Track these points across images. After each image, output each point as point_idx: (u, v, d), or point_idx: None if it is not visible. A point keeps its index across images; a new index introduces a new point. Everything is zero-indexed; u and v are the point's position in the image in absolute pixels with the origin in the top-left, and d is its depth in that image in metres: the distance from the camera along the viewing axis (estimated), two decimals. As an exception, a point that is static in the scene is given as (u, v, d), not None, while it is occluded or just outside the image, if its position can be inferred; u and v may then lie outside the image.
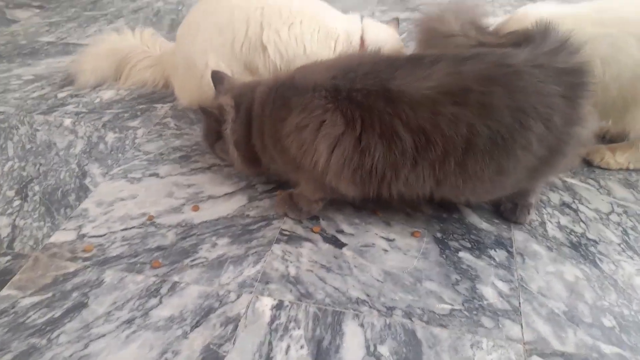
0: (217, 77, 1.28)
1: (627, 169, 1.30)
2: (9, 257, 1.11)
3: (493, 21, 1.28)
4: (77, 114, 1.60)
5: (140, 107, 1.63)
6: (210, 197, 1.27)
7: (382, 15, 1.58)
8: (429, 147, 0.95)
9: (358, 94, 0.97)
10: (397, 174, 1.00)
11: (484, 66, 0.93)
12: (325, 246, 1.13)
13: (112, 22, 2.20)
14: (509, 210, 1.16)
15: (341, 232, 1.16)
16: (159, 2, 2.38)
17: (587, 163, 1.34)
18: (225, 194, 1.28)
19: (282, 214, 1.20)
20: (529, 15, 1.30)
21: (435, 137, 0.94)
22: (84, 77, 1.71)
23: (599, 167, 1.33)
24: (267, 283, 1.04)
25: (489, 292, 1.02)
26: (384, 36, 1.50)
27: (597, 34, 1.15)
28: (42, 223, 1.21)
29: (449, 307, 0.99)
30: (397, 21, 1.62)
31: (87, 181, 1.33)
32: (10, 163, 1.41)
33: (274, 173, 1.24)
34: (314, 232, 1.16)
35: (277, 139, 1.07)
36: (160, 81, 1.70)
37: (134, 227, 1.18)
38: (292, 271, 1.07)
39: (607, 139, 1.37)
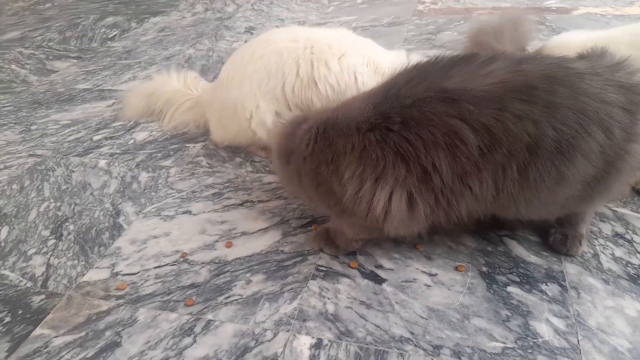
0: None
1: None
2: (43, 296, 1.10)
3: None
4: (111, 155, 1.62)
5: (173, 147, 1.65)
6: (243, 234, 1.24)
7: (410, 55, 1.60)
8: (494, 147, 0.87)
9: (413, 110, 0.90)
10: (464, 183, 0.91)
11: (544, 66, 0.90)
12: (364, 282, 1.08)
13: (145, 69, 2.27)
14: (559, 241, 1.10)
15: (380, 267, 1.11)
16: (189, 50, 2.46)
17: (638, 192, 1.27)
18: (259, 230, 1.25)
19: (318, 250, 1.16)
20: (563, 42, 1.29)
21: (501, 136, 0.87)
22: (128, 111, 1.77)
23: (649, 196, 1.26)
24: (304, 320, 0.99)
25: (543, 329, 0.94)
26: None
27: (632, 56, 1.13)
28: (76, 262, 1.20)
29: (501, 345, 0.92)
30: None
31: (120, 220, 1.32)
32: (46, 204, 1.42)
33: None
34: (352, 268, 1.11)
35: (319, 182, 1.00)
36: (202, 120, 1.68)
37: (167, 265, 1.16)
38: (331, 308, 1.02)
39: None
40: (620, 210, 1.22)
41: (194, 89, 1.72)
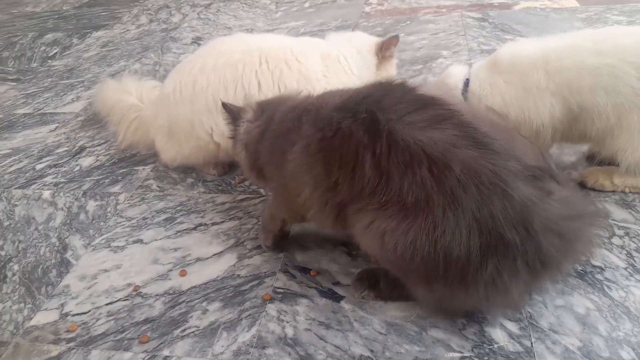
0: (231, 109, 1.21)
1: (622, 192, 1.27)
2: (-14, 347, 1.04)
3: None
4: (56, 184, 1.56)
5: (121, 171, 1.59)
6: (198, 260, 1.21)
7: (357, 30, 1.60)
8: (377, 192, 0.88)
9: (345, 122, 0.91)
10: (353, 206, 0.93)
11: (488, 160, 0.83)
12: (323, 301, 1.07)
13: (89, 88, 2.19)
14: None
15: (337, 284, 1.11)
16: (135, 64, 2.39)
17: (582, 186, 1.31)
18: (214, 255, 1.22)
19: (264, 242, 1.22)
20: (515, 54, 1.26)
21: (390, 188, 0.86)
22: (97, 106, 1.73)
23: (593, 189, 1.30)
24: (263, 348, 0.98)
25: (498, 335, 0.96)
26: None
27: (598, 64, 1.15)
28: (22, 305, 1.14)
29: (459, 355, 0.93)
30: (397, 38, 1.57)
31: (68, 255, 1.27)
32: (-13, 243, 1.35)
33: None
34: (309, 288, 1.10)
35: (280, 158, 1.03)
36: (149, 141, 1.58)
37: (119, 300, 1.12)
38: (290, 332, 1.01)
39: (598, 161, 1.34)
40: (566, 206, 1.25)
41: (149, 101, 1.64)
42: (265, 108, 1.16)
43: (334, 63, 1.45)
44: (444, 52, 2.13)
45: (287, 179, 1.02)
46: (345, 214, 0.95)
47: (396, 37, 1.53)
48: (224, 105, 1.19)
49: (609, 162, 1.27)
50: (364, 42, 1.54)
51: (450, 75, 1.37)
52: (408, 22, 2.50)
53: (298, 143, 0.98)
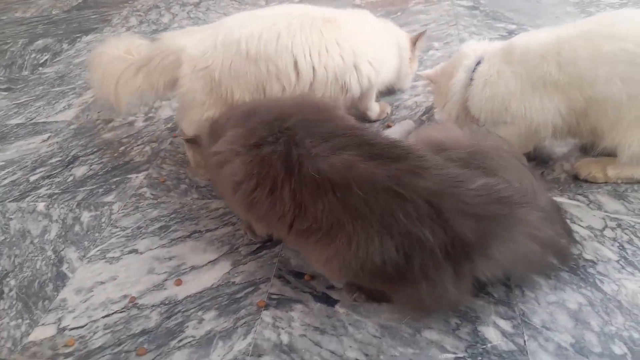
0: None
1: (615, 182, 1.27)
2: (-14, 365, 1.05)
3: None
4: (50, 196, 1.56)
5: (115, 179, 1.60)
6: (193, 268, 1.22)
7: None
8: (303, 217, 0.96)
9: (267, 147, 1.00)
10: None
11: (375, 170, 0.92)
12: (317, 306, 1.08)
13: (80, 95, 2.19)
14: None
15: (331, 287, 1.11)
16: (126, 68, 2.37)
17: (574, 177, 1.31)
18: (208, 262, 1.23)
19: (245, 234, 1.28)
20: (527, 44, 1.24)
21: (309, 214, 0.94)
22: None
23: (586, 181, 1.30)
24: (259, 356, 0.99)
25: (491, 334, 0.97)
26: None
27: (614, 50, 1.11)
28: (20, 320, 1.15)
29: (453, 356, 0.94)
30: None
31: (64, 268, 1.28)
32: (-16, 259, 1.36)
33: None
34: (304, 293, 1.11)
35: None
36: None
37: (115, 312, 1.13)
38: (285, 339, 1.01)
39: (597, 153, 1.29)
40: (558, 199, 1.25)
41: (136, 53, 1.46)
42: (215, 127, 1.21)
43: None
44: (435, 44, 2.12)
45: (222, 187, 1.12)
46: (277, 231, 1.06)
47: (424, 33, 1.65)
48: (186, 139, 1.33)
49: (599, 153, 1.26)
50: (403, 34, 1.65)
51: (465, 52, 1.35)
52: (399, 14, 2.48)
53: (221, 146, 1.08)
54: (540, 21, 2.15)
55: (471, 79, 1.31)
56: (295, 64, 1.36)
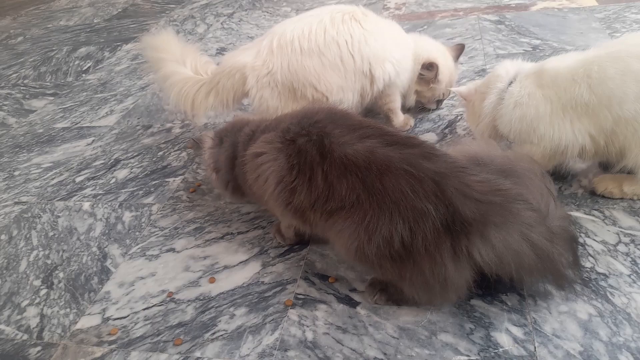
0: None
1: (631, 199, 1.31)
2: (39, 348, 1.17)
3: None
4: (94, 196, 1.69)
5: (154, 182, 1.71)
6: (225, 267, 1.31)
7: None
8: (331, 197, 1.05)
9: (302, 139, 1.10)
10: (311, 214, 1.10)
11: (391, 153, 1.03)
12: (340, 307, 1.16)
13: (121, 101, 2.33)
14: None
15: (354, 290, 1.19)
16: (163, 76, 2.51)
17: (591, 193, 1.36)
18: (240, 263, 1.32)
19: (274, 238, 1.37)
20: (557, 69, 1.28)
21: (336, 194, 1.04)
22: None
23: (602, 197, 1.34)
24: (285, 350, 1.07)
25: (503, 339, 1.03)
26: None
27: None
28: (68, 310, 1.26)
29: (466, 358, 1.00)
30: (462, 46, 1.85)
31: (108, 263, 1.39)
32: (35, 252, 1.48)
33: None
34: (328, 294, 1.19)
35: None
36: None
37: (154, 305, 1.23)
38: (309, 336, 1.10)
39: (615, 171, 1.33)
40: (575, 214, 1.30)
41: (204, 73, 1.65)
42: (224, 135, 1.36)
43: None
44: (460, 58, 2.17)
45: (252, 184, 1.19)
46: (310, 218, 1.12)
47: (462, 45, 1.84)
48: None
49: (619, 171, 1.30)
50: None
51: (499, 74, 1.40)
52: (425, 27, 2.55)
53: (260, 147, 1.16)
54: (565, 37, 2.19)
55: (502, 98, 1.36)
56: (341, 53, 1.49)
